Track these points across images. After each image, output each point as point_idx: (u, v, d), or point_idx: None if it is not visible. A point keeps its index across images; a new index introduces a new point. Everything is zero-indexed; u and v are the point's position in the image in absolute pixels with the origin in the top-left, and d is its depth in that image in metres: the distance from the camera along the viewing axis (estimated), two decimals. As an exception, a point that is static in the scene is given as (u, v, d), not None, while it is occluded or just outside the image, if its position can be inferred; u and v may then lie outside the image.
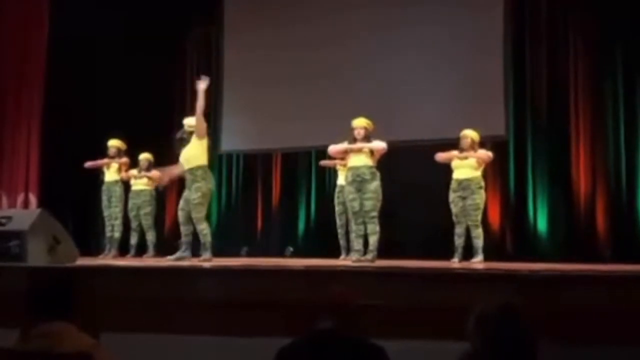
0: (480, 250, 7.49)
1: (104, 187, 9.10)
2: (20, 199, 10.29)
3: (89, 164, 9.06)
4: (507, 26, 9.30)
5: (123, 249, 9.13)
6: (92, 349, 2.60)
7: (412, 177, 8.86)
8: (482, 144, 8.05)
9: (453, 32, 9.43)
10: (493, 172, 8.98)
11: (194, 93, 10.98)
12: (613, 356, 3.32)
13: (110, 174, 9.03)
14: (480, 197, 7.62)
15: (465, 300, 3.73)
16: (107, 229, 9.08)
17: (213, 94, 10.99)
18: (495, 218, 9.24)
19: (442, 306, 3.69)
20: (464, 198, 7.61)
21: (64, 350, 2.60)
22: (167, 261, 7.11)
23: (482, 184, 7.68)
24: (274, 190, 10.73)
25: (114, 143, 9.06)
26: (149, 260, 8.19)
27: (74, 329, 2.69)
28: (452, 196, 7.69)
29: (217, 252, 10.00)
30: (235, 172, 11.04)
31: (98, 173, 9.18)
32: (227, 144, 10.83)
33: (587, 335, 3.62)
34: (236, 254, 9.94)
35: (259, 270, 4.71)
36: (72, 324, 2.71)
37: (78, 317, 2.76)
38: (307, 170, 10.50)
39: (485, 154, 7.77)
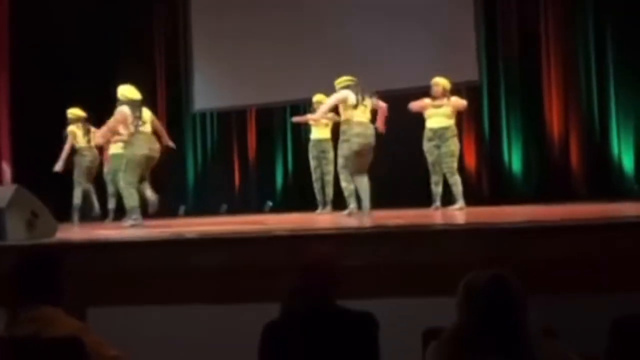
0: (460, 196, 7.55)
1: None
2: (-7, 169, 10.14)
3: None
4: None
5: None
6: (80, 333, 2.62)
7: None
8: (457, 91, 8.06)
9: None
10: (468, 117, 9.00)
11: (161, 53, 10.97)
12: (597, 304, 3.38)
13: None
14: (455, 145, 7.66)
15: (449, 256, 3.81)
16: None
17: (182, 51, 10.89)
18: (471, 162, 9.30)
19: (426, 263, 3.73)
20: (438, 147, 7.64)
21: (53, 335, 2.62)
22: (125, 227, 7.02)
23: (456, 131, 7.72)
24: (249, 147, 10.68)
25: (73, 112, 8.91)
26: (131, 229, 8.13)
27: (61, 313, 2.71)
28: (427, 145, 7.72)
29: (197, 211, 10.08)
30: (210, 131, 10.96)
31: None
32: (200, 103, 10.76)
33: (572, 285, 3.69)
34: (215, 211, 9.96)
35: (245, 238, 4.71)
36: (59, 308, 2.72)
37: (64, 300, 2.77)
38: (282, 126, 10.44)
39: (461, 102, 7.76)
